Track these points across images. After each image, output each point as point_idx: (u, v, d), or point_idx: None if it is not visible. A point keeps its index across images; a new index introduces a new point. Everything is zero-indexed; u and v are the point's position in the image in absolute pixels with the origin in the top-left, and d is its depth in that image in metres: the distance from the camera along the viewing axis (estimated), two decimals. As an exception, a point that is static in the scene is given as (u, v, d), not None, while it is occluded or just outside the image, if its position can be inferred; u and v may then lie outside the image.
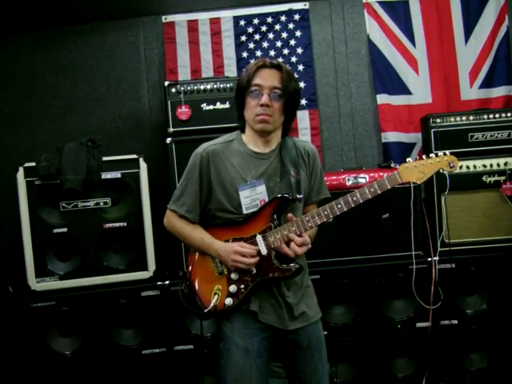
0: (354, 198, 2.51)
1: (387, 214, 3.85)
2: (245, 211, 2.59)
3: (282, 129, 2.72)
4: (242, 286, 2.57)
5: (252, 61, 4.63)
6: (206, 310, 2.61)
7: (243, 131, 2.72)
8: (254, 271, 2.56)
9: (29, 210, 3.71)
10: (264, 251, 2.53)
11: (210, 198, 2.65)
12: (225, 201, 2.61)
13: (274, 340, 2.65)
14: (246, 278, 2.57)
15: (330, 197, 2.77)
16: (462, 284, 3.86)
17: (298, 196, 2.56)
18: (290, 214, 2.52)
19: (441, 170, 2.55)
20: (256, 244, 2.55)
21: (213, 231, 2.65)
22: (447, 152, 2.52)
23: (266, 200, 2.58)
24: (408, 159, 2.55)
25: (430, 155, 2.52)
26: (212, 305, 2.59)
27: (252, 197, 2.58)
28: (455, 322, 3.85)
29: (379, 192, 2.52)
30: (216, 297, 2.60)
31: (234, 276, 2.59)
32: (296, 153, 2.67)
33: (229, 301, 2.59)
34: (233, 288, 2.58)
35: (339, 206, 2.52)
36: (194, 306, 2.69)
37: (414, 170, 2.51)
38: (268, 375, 2.70)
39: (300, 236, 2.51)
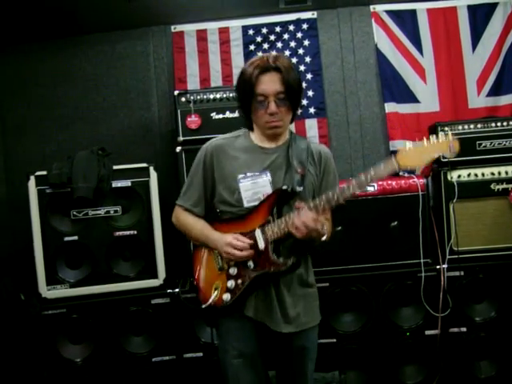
0: (351, 186, 2.39)
1: (396, 222, 3.86)
2: (246, 204, 2.57)
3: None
4: (240, 281, 2.55)
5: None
6: (203, 306, 2.62)
7: (251, 129, 2.69)
8: (252, 266, 2.53)
9: (40, 218, 3.74)
10: (261, 246, 2.50)
11: (215, 192, 2.65)
12: (226, 194, 2.60)
13: (268, 342, 2.65)
14: (244, 272, 2.55)
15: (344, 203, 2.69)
16: (470, 292, 3.86)
17: (297, 188, 2.51)
18: (296, 203, 2.47)
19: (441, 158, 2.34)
20: (255, 238, 2.52)
21: (216, 226, 2.65)
22: (449, 133, 2.33)
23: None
24: (407, 142, 2.38)
25: (430, 137, 2.34)
26: (211, 300, 2.59)
27: (254, 190, 2.55)
28: (464, 329, 3.85)
29: (375, 179, 2.38)
30: (216, 292, 2.59)
31: (232, 271, 2.58)
32: (306, 151, 2.63)
33: (226, 296, 2.57)
34: (230, 283, 2.57)
35: (335, 198, 2.41)
36: (195, 303, 2.70)
37: (413, 156, 2.34)
38: (264, 377, 2.72)
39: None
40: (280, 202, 2.54)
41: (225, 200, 2.62)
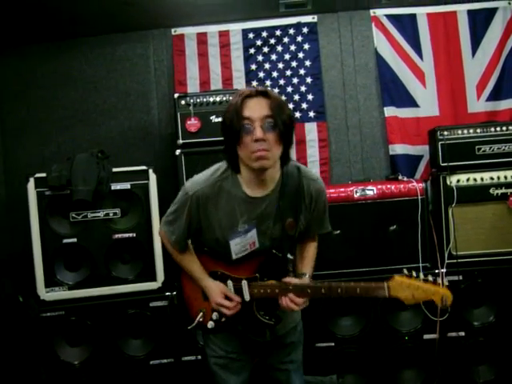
0: (339, 289, 2.36)
1: (395, 226, 3.86)
2: (234, 257, 2.53)
3: (280, 160, 2.47)
4: (224, 319, 2.59)
5: (261, 73, 4.68)
6: (189, 327, 2.68)
7: (238, 171, 2.48)
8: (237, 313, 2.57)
9: (39, 220, 3.74)
10: (247, 298, 2.52)
11: (201, 234, 2.58)
12: (215, 245, 2.56)
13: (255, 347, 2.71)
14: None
15: (330, 231, 2.71)
16: (469, 296, 3.86)
17: (288, 256, 2.49)
18: (287, 279, 2.47)
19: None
20: (241, 289, 2.53)
21: (203, 259, 2.65)
22: (446, 282, 2.31)
23: (256, 242, 2.50)
24: (405, 270, 2.30)
25: (429, 280, 2.26)
26: (195, 323, 2.64)
27: (242, 243, 2.50)
28: (462, 333, 3.85)
29: (363, 293, 2.34)
30: (201, 314, 2.64)
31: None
32: (297, 194, 2.51)
33: (211, 324, 2.63)
34: (215, 316, 2.60)
35: (323, 292, 2.40)
36: (183, 318, 2.77)
37: (405, 289, 2.26)
38: (252, 379, 2.77)
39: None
40: (269, 261, 2.53)
41: (212, 247, 2.60)
